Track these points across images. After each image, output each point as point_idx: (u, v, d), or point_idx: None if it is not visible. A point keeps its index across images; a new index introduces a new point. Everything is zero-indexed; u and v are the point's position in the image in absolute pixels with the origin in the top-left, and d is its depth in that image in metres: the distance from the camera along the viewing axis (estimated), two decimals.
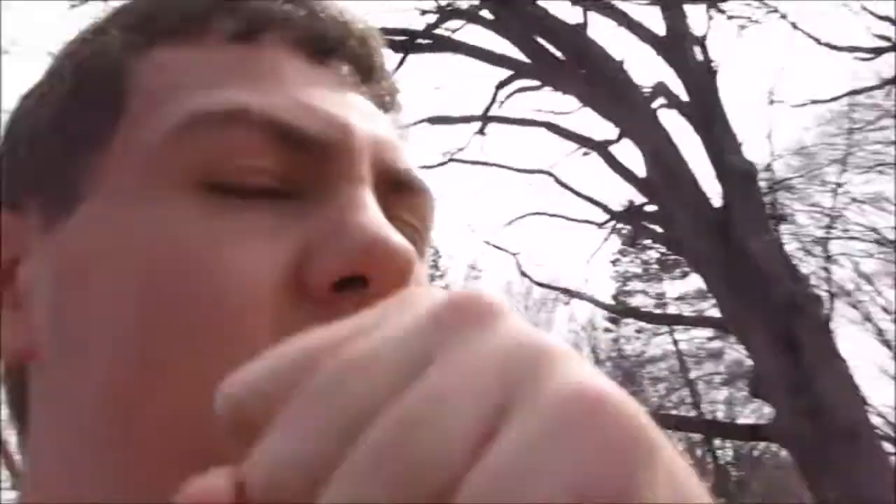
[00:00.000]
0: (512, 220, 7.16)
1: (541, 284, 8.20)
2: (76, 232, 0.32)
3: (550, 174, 6.62)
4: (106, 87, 0.34)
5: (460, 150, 6.46)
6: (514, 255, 7.20)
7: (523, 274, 7.38)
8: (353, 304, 0.27)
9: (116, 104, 0.34)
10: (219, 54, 0.34)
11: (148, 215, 0.30)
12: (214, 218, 0.30)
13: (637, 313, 11.21)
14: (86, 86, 0.35)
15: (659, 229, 5.37)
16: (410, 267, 0.29)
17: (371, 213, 0.30)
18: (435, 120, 5.99)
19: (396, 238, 0.29)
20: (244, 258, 0.29)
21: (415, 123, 5.27)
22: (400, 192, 0.34)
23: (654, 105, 4.97)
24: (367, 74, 0.37)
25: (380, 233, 0.29)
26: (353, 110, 0.34)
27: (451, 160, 6.48)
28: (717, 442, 19.82)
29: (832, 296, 4.67)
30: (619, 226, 6.55)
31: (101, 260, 0.30)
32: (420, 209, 0.36)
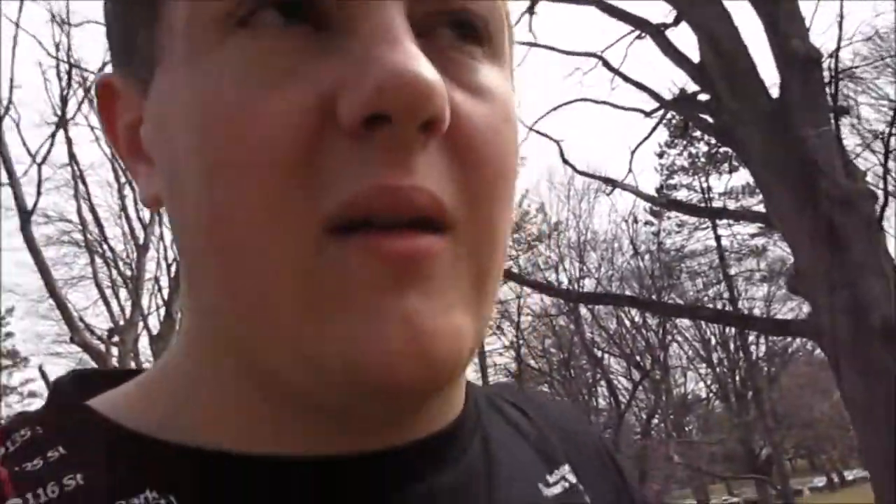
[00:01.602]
0: (557, 106, 6.98)
1: (583, 173, 8.08)
2: (155, 95, 0.35)
3: (600, 57, 6.36)
4: None
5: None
6: (557, 142, 7.02)
7: (566, 162, 7.21)
8: (383, 139, 0.29)
9: None
10: None
11: (196, 71, 0.32)
12: (246, 60, 0.30)
13: (680, 205, 10.98)
14: None
15: (710, 119, 5.14)
16: (432, 100, 0.29)
17: (392, 44, 0.29)
18: None
19: (415, 71, 0.28)
20: (277, 105, 0.30)
21: None
22: None
23: None
24: None
25: (396, 68, 0.28)
26: None
27: None
28: (751, 338, 20.04)
29: (888, 195, 4.49)
30: (669, 115, 6.30)
31: (173, 123, 0.33)
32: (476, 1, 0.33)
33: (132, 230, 11.84)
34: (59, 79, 10.46)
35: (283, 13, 0.31)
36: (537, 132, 6.95)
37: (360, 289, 0.29)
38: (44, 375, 7.37)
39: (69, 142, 10.79)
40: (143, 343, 11.27)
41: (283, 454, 0.33)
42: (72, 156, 10.94)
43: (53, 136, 9.76)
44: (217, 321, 0.34)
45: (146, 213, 11.42)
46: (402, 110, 0.28)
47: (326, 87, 0.30)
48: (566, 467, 0.45)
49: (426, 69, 0.29)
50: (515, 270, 15.28)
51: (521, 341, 19.56)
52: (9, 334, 19.16)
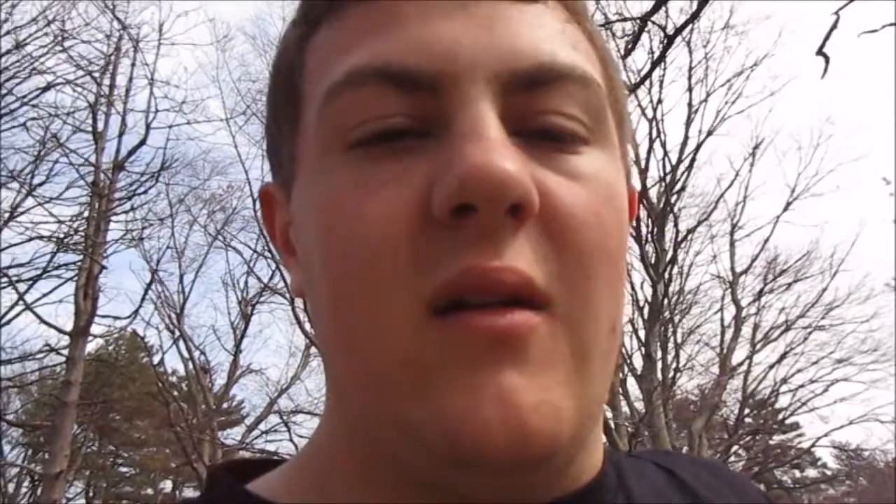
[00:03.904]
0: None
1: None
2: (295, 198, 0.40)
3: None
4: (290, 81, 0.40)
5: None
6: None
7: None
8: (471, 226, 0.32)
9: (297, 93, 0.40)
10: (353, 19, 0.37)
11: (319, 181, 0.37)
12: (358, 174, 0.35)
13: None
14: (279, 83, 0.42)
15: None
16: (511, 188, 0.32)
17: (475, 141, 0.32)
18: None
19: (494, 163, 0.32)
20: (382, 204, 0.34)
21: None
22: (537, 86, 0.35)
23: None
24: None
25: (477, 162, 0.32)
26: (471, 25, 0.35)
27: None
28: None
29: None
30: None
31: (305, 223, 0.39)
32: (575, 96, 0.36)
33: None
34: None
35: (390, 127, 0.35)
36: None
37: (457, 365, 0.32)
38: None
39: None
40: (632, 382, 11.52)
41: None
42: None
43: None
44: (344, 398, 0.38)
45: None
46: (485, 199, 0.32)
47: (422, 184, 0.33)
48: None
49: (506, 160, 0.32)
50: None
51: None
52: None
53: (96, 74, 10.91)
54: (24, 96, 10.30)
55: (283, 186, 0.42)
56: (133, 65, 11.34)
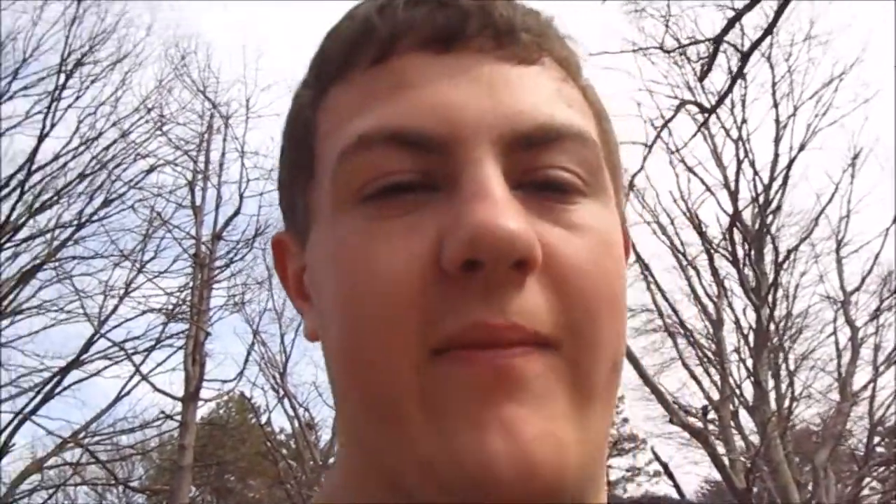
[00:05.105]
0: None
1: None
2: (310, 250, 0.43)
3: None
4: (304, 140, 0.44)
5: None
6: None
7: None
8: (478, 281, 0.34)
9: (311, 152, 0.43)
10: (362, 83, 0.40)
11: (333, 233, 0.39)
12: (370, 226, 0.37)
13: None
14: (294, 141, 0.45)
15: None
16: (516, 246, 0.34)
17: (482, 199, 0.35)
18: None
19: (501, 222, 0.34)
20: (393, 255, 0.35)
21: None
22: (539, 146, 0.37)
23: None
24: (502, 38, 0.40)
25: (485, 220, 0.34)
26: (474, 90, 0.38)
27: None
28: None
29: None
30: None
31: (320, 271, 0.41)
32: (571, 153, 0.38)
33: (704, 308, 12.28)
34: None
35: (400, 185, 0.37)
36: None
37: (462, 400, 0.33)
38: (656, 456, 7.99)
39: (632, 243, 11.49)
40: (744, 415, 11.50)
41: None
42: (637, 254, 11.51)
43: None
44: (355, 439, 0.39)
45: (713, 289, 12.08)
46: (492, 256, 0.33)
47: (433, 238, 0.35)
48: None
49: (511, 219, 0.34)
50: None
51: None
52: (625, 419, 21.32)
53: (192, 153, 11.72)
54: (131, 180, 11.15)
55: (298, 235, 0.45)
56: (224, 140, 12.10)
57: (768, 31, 6.65)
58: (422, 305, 0.34)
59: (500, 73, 0.39)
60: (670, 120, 7.67)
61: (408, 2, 0.40)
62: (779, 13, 6.18)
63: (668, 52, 8.17)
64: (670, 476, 7.69)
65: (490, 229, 0.33)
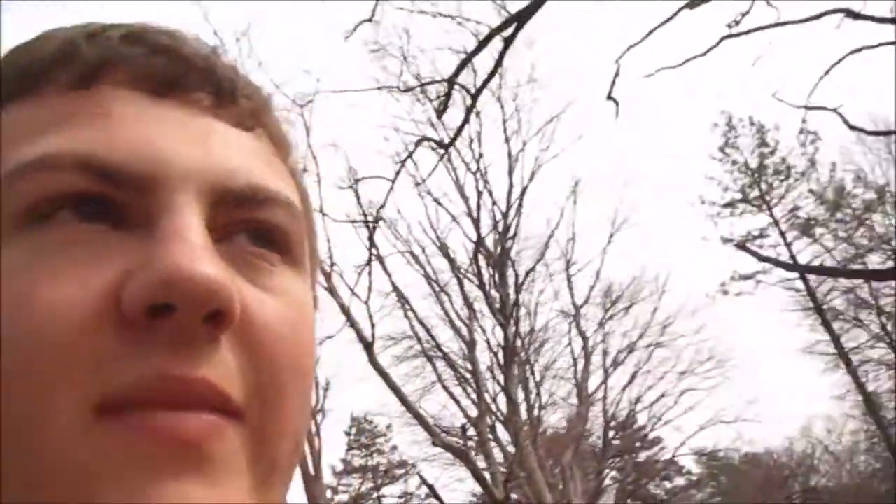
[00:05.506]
0: (829, 69, 6.35)
1: (874, 133, 7.57)
2: None
3: (846, 11, 5.99)
4: None
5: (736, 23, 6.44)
6: (834, 110, 6.53)
7: (852, 128, 6.72)
8: (166, 329, 0.30)
9: None
10: (56, 104, 0.35)
11: None
12: (36, 254, 0.31)
13: None
14: None
15: None
16: (215, 294, 0.30)
17: (181, 242, 0.31)
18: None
19: (198, 266, 0.30)
20: (60, 287, 0.30)
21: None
22: (247, 205, 0.36)
23: None
24: (223, 98, 0.38)
25: (181, 263, 0.30)
26: (186, 137, 0.35)
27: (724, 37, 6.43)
28: None
29: None
30: None
31: None
32: (276, 215, 0.37)
33: (458, 330, 12.90)
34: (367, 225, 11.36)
35: (80, 212, 0.32)
36: (811, 108, 6.58)
37: (130, 471, 0.29)
38: (422, 479, 8.12)
39: (388, 273, 12.08)
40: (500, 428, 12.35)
41: None
42: (393, 284, 12.20)
43: (369, 272, 10.57)
44: (10, 493, 0.32)
45: (465, 312, 12.91)
46: (186, 302, 0.30)
47: (113, 277, 0.31)
48: None
49: (211, 266, 0.31)
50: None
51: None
52: (394, 447, 22.52)
53: None
54: None
55: None
56: None
57: (493, 73, 7.31)
58: (88, 352, 0.30)
59: (215, 129, 0.37)
60: (410, 155, 8.15)
61: (125, 37, 0.37)
62: (501, 58, 6.82)
63: (406, 91, 8.62)
64: (437, 497, 7.95)
65: (188, 273, 0.30)
